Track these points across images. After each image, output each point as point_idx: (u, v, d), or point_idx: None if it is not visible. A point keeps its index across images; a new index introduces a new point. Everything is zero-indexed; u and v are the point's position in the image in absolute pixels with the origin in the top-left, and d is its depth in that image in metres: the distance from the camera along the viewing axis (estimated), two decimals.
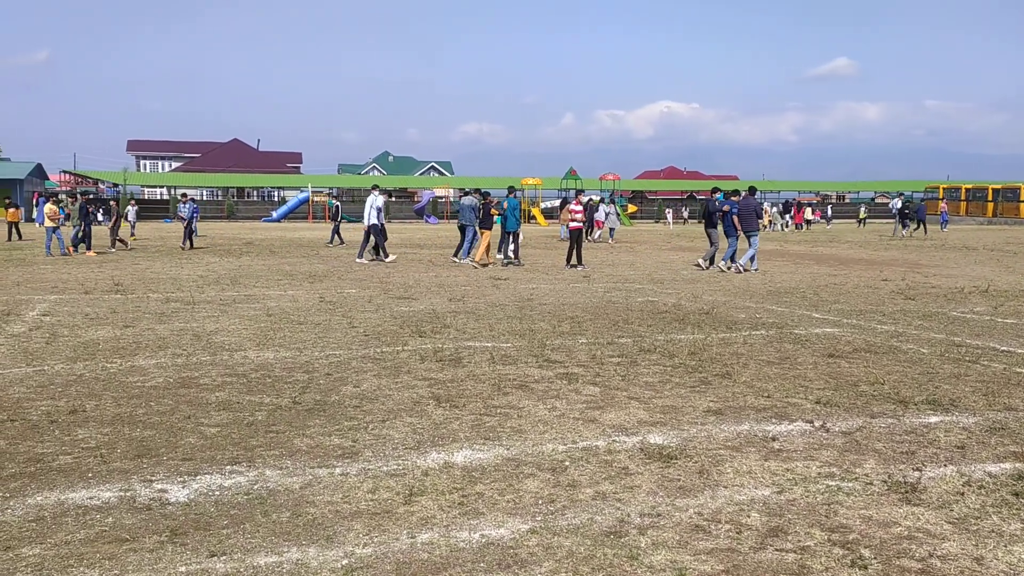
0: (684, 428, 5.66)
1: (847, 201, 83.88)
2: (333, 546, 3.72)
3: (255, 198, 75.03)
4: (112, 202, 30.87)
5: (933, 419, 5.94)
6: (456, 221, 21.71)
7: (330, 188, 70.97)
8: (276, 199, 71.16)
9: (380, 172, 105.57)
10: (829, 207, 62.44)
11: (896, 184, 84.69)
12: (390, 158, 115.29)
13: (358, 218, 27.72)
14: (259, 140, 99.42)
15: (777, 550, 3.72)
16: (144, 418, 5.79)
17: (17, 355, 8.02)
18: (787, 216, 48.69)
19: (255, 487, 4.46)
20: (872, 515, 4.14)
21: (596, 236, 31.63)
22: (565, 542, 3.78)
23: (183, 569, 3.48)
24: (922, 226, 38.81)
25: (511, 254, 20.32)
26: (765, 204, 54.95)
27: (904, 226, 37.43)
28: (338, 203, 29.97)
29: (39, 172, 64.02)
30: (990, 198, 64.94)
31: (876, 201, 78.94)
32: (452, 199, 66.84)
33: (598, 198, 36.23)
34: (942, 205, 49.38)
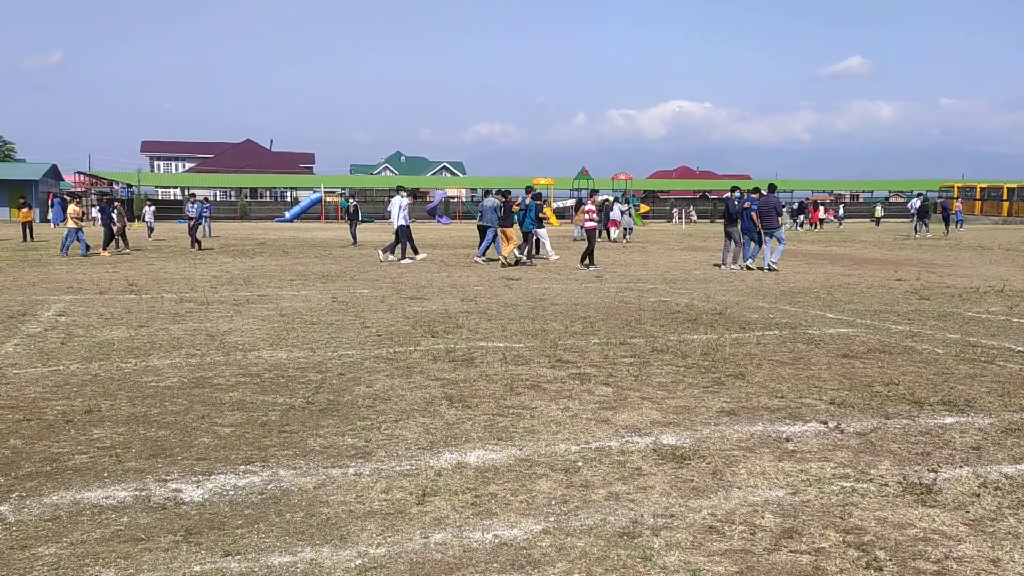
0: (697, 429, 5.65)
1: (861, 200, 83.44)
2: (347, 546, 3.73)
3: (268, 198, 75.29)
4: (116, 203, 31.06)
5: (948, 420, 5.91)
6: (476, 221, 21.85)
7: (342, 188, 71.16)
8: (289, 199, 71.41)
9: (392, 172, 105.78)
10: (841, 206, 62.15)
11: (910, 183, 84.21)
12: (402, 158, 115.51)
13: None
14: (272, 141, 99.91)
15: (791, 551, 3.71)
16: (159, 418, 5.83)
17: (33, 355, 8.08)
18: (801, 216, 48.44)
19: (269, 487, 4.48)
20: (887, 516, 4.12)
21: (613, 236, 31.61)
22: (578, 543, 3.78)
23: (198, 568, 3.49)
24: (946, 226, 38.62)
25: (517, 252, 20.38)
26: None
27: (925, 226, 37.20)
28: (355, 203, 29.95)
29: (54, 173, 64.47)
30: (1005, 197, 64.47)
31: (890, 200, 78.47)
32: (464, 199, 66.92)
33: (612, 198, 36.15)
34: (957, 204, 49.06)
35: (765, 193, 18.91)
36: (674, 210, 61.87)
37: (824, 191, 79.82)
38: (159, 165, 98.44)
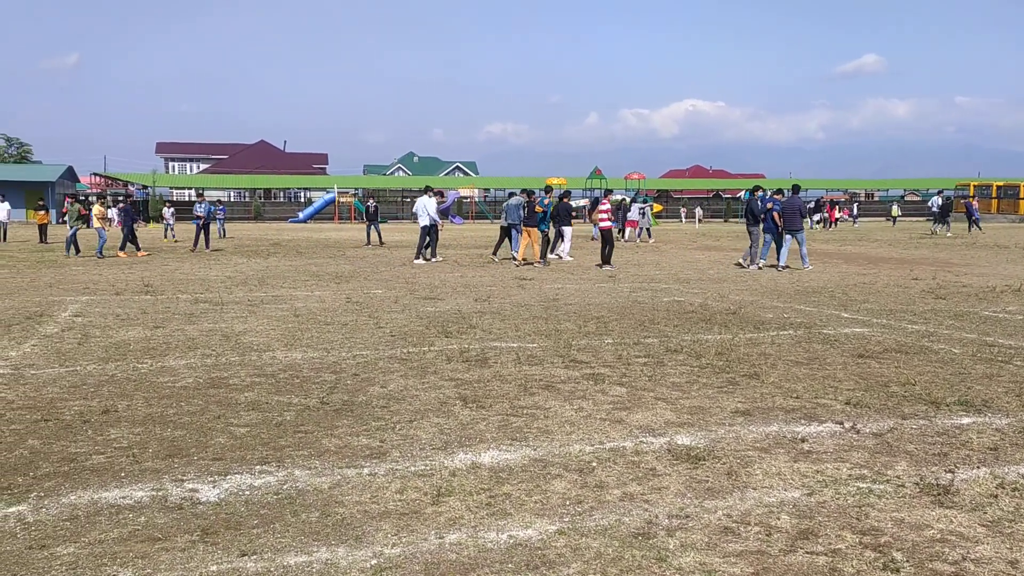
0: (712, 429, 5.63)
1: (876, 199, 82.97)
2: (362, 546, 3.74)
3: (282, 199, 75.62)
4: (120, 204, 31.17)
5: (966, 420, 5.86)
6: (500, 221, 21.98)
7: (356, 189, 71.35)
8: (302, 200, 71.68)
9: (405, 172, 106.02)
10: (856, 205, 61.81)
11: (926, 182, 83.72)
12: (415, 158, 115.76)
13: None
14: (285, 141, 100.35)
15: (808, 553, 3.69)
16: (175, 418, 5.86)
17: (50, 355, 8.14)
18: (818, 215, 48.21)
19: (284, 487, 4.49)
20: (904, 518, 4.10)
21: (627, 236, 31.58)
22: (593, 543, 3.78)
23: (214, 568, 3.51)
24: (969, 225, 38.38)
25: (552, 254, 20.50)
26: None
27: (946, 225, 36.95)
28: (375, 204, 30.00)
29: (70, 175, 64.99)
30: (1022, 196, 63.93)
31: (905, 199, 77.96)
32: (477, 199, 66.97)
33: (625, 198, 36.13)
34: (973, 203, 48.71)
35: (789, 194, 18.96)
36: (682, 209, 61.77)
37: (838, 190, 79.44)
38: (174, 166, 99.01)
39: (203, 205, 26.27)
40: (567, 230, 21.76)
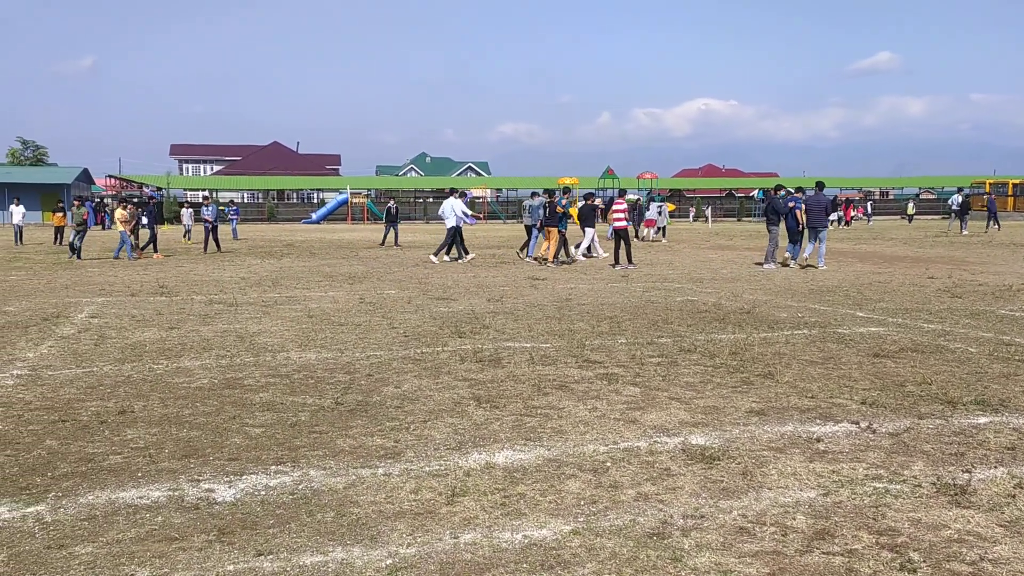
0: (726, 429, 5.61)
1: (891, 197, 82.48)
2: (377, 546, 3.75)
3: (295, 200, 75.89)
4: (129, 206, 31.29)
5: (982, 420, 5.82)
6: (523, 221, 22.10)
7: (368, 190, 71.50)
8: (315, 201, 71.92)
9: (418, 173, 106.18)
10: (870, 203, 61.46)
11: (940, 180, 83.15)
12: (427, 159, 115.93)
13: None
14: (298, 143, 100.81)
15: (824, 553, 3.67)
16: (190, 419, 5.89)
17: (67, 356, 8.20)
18: (835, 213, 47.90)
19: (300, 487, 4.51)
20: (921, 518, 4.07)
21: (644, 235, 31.56)
22: (608, 543, 3.77)
23: (231, 568, 3.53)
24: (988, 223, 38.12)
25: (579, 252, 20.58)
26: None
27: (963, 223, 36.71)
28: (396, 205, 30.07)
29: (86, 177, 65.46)
30: None
31: (920, 197, 77.45)
32: (490, 199, 66.99)
33: (637, 197, 36.08)
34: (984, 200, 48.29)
35: (812, 192, 19.06)
36: (691, 209, 61.65)
37: (853, 188, 79.02)
38: (188, 168, 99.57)
39: (211, 208, 26.34)
40: (590, 231, 21.77)
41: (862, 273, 17.51)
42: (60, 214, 31.95)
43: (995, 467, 4.83)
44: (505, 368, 7.59)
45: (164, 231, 30.23)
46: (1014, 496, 4.36)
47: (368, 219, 59.69)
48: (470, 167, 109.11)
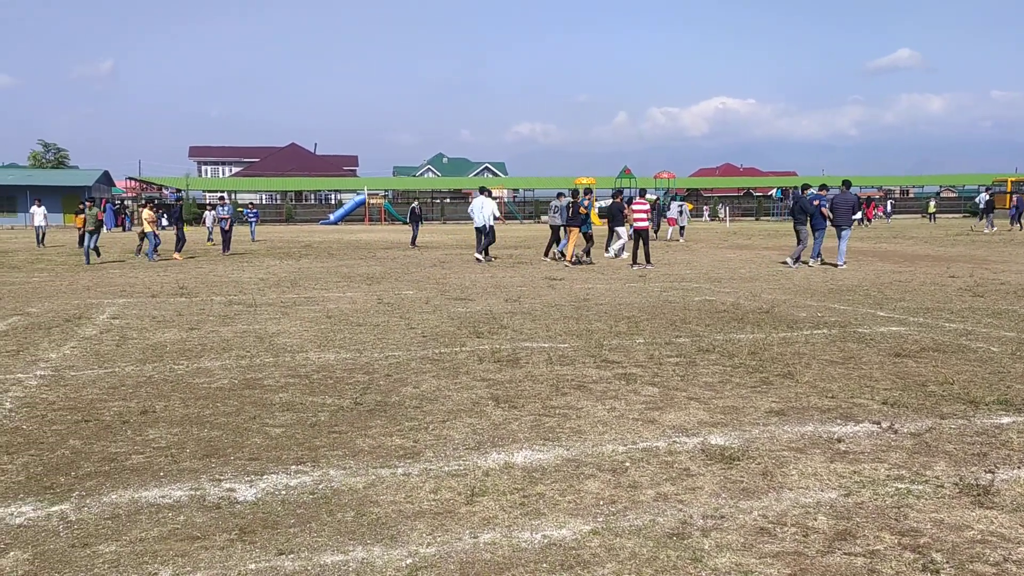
0: (746, 429, 5.59)
1: (911, 196, 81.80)
2: (397, 545, 3.77)
3: (313, 201, 76.23)
4: (141, 208, 31.40)
5: (1005, 420, 5.77)
6: (549, 221, 22.19)
7: (385, 191, 71.71)
8: (333, 202, 72.21)
9: (435, 173, 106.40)
10: (889, 202, 60.97)
11: (962, 178, 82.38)
12: (444, 159, 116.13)
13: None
14: (316, 144, 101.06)
15: (845, 554, 3.65)
16: (211, 418, 5.94)
17: (89, 357, 8.29)
18: (858, 212, 47.55)
19: (320, 487, 4.54)
20: (944, 518, 4.04)
21: (669, 235, 31.54)
22: (627, 543, 3.77)
23: (252, 567, 3.55)
24: (1012, 221, 37.76)
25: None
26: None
27: (988, 221, 36.37)
28: (419, 205, 30.23)
29: (106, 179, 66.06)
30: None
31: (941, 195, 76.75)
32: (507, 200, 67.01)
33: (657, 197, 36.02)
34: (1012, 199, 47.82)
35: (838, 190, 19.20)
36: (705, 207, 61.41)
37: (872, 186, 78.43)
38: (207, 170, 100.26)
39: (227, 208, 26.44)
40: (620, 230, 21.77)
41: (882, 272, 17.38)
42: (81, 216, 32.22)
43: (1018, 467, 4.78)
44: (523, 368, 7.60)
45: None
46: None
47: (385, 220, 59.86)
48: (487, 167, 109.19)
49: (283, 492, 4.46)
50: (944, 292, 13.44)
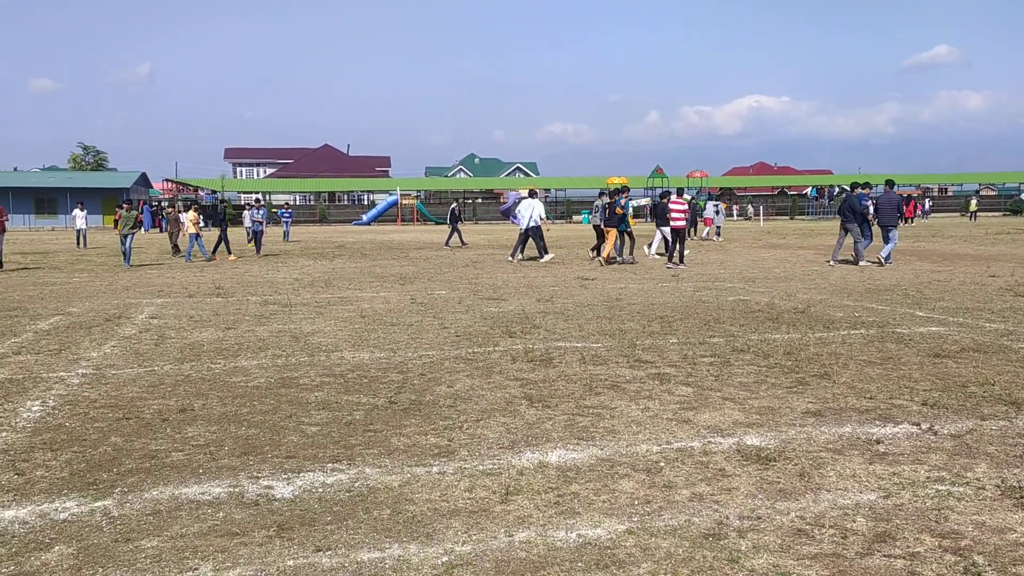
0: (782, 430, 5.54)
1: (950, 194, 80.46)
2: (433, 543, 3.79)
3: (346, 202, 76.77)
4: (170, 209, 31.73)
5: None
6: (592, 221, 22.21)
7: (418, 191, 72.01)
8: (366, 203, 72.68)
9: (466, 174, 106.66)
10: (927, 200, 60.01)
11: (1001, 176, 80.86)
12: (476, 160, 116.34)
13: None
14: (349, 145, 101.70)
15: (885, 556, 3.61)
16: (248, 417, 6.01)
17: (129, 356, 8.43)
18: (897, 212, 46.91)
19: (356, 484, 4.58)
20: (985, 521, 3.98)
21: (705, 234, 31.38)
22: (663, 543, 3.76)
23: (291, 563, 3.60)
24: None
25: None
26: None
27: None
28: (458, 206, 30.49)
29: (143, 181, 67.14)
30: None
31: (981, 193, 75.39)
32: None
33: (691, 196, 35.82)
34: None
35: (885, 189, 19.09)
36: (735, 207, 60.89)
37: (910, 185, 77.27)
38: (242, 171, 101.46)
39: (261, 210, 26.65)
40: (666, 230, 21.71)
41: (921, 271, 17.12)
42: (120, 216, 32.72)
43: None
44: (556, 368, 7.60)
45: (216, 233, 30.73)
46: None
47: (418, 220, 60.13)
48: (518, 167, 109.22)
49: (320, 490, 4.50)
50: (984, 292, 13.21)
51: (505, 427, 5.68)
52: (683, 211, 19.54)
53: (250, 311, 11.88)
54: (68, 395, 6.75)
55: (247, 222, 32.89)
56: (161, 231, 49.63)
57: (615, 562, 3.58)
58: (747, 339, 8.97)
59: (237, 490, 4.51)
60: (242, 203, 63.08)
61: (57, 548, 3.77)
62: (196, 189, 68.82)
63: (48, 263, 22.81)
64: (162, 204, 62.81)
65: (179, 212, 29.34)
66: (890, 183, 19.52)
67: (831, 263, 18.72)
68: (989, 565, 3.51)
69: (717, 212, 31.82)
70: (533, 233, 21.23)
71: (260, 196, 44.85)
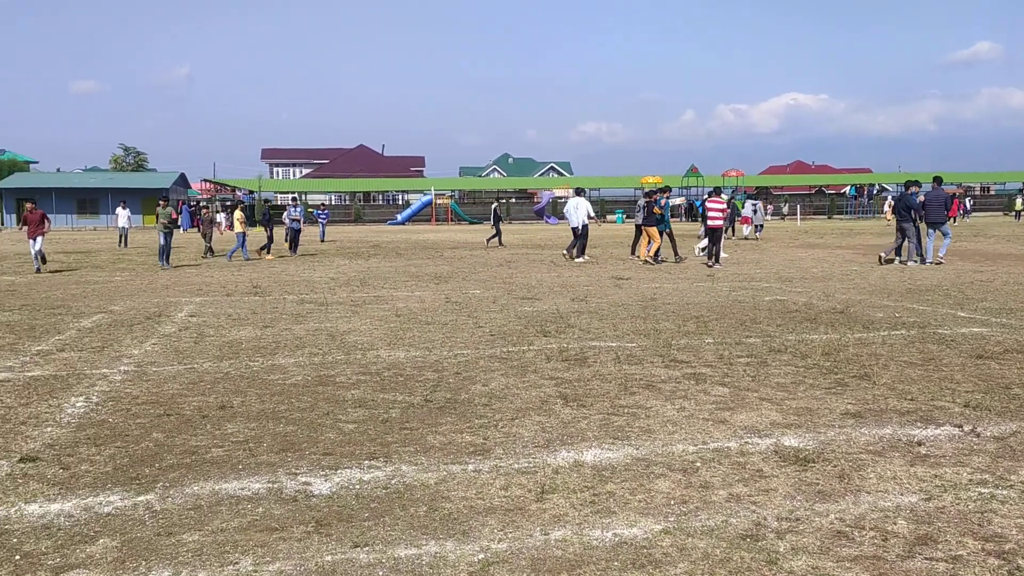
0: (821, 431, 5.48)
1: (992, 192, 78.89)
2: (469, 540, 3.80)
3: (380, 202, 77.26)
4: (204, 209, 31.98)
5: None
6: (635, 221, 22.17)
7: (452, 191, 72.20)
8: (400, 202, 73.07)
9: (500, 174, 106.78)
10: (968, 199, 58.88)
11: None
12: (510, 159, 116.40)
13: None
14: (384, 145, 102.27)
15: (927, 559, 3.56)
16: (286, 414, 6.08)
17: (169, 353, 8.56)
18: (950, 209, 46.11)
19: (392, 482, 4.61)
20: None
21: (745, 233, 31.15)
22: (700, 543, 3.74)
23: (329, 559, 3.63)
24: None
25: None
26: (888, 199, 52.62)
27: None
28: (500, 205, 30.71)
29: (182, 181, 68.15)
30: None
31: None
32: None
33: (729, 196, 35.52)
34: None
35: (933, 186, 19.02)
36: (769, 206, 60.17)
37: (952, 183, 75.89)
38: (278, 171, 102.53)
39: (298, 208, 26.85)
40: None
41: (963, 271, 16.82)
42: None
43: None
44: (591, 367, 7.58)
45: (256, 232, 31.08)
46: None
47: (452, 220, 60.32)
48: (552, 167, 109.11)
49: (357, 486, 4.54)
50: None
51: (540, 426, 5.68)
52: (721, 210, 19.37)
53: (287, 310, 12.01)
54: (111, 391, 6.88)
55: (287, 221, 33.23)
56: (199, 231, 50.34)
57: (651, 562, 3.57)
58: (784, 339, 8.88)
59: (276, 486, 4.56)
60: (279, 203, 63.75)
61: (102, 541, 3.85)
62: (234, 189, 69.67)
63: (90, 262, 23.25)
64: (200, 204, 63.71)
65: (214, 212, 29.67)
66: (938, 180, 19.33)
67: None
68: None
69: (755, 211, 31.54)
70: (581, 230, 21.24)
71: (296, 196, 45.21)
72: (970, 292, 13.06)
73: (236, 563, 3.60)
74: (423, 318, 10.91)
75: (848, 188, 73.59)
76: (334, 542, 3.80)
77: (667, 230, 20.60)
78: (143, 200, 58.16)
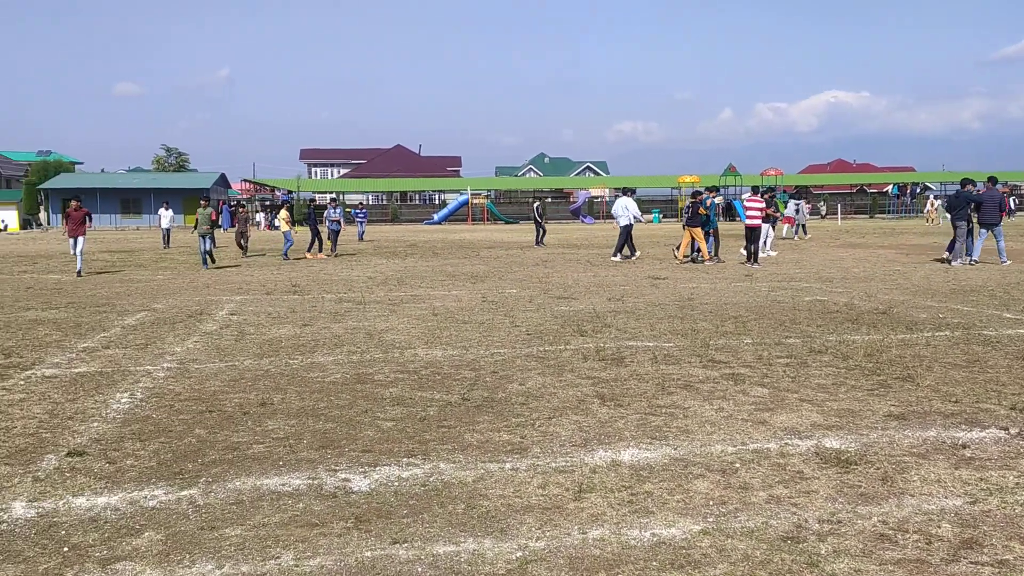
0: (863, 433, 5.41)
1: None
2: (507, 538, 3.82)
3: (417, 201, 77.67)
4: (242, 208, 32.22)
5: None
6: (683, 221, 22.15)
7: (488, 191, 72.33)
8: (437, 202, 73.37)
9: (536, 173, 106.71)
10: (1013, 199, 57.55)
11: None
12: (546, 159, 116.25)
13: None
14: (420, 145, 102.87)
15: (972, 563, 3.49)
16: (326, 411, 6.15)
17: (211, 351, 8.70)
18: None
19: (431, 479, 4.64)
20: None
21: (784, 233, 30.84)
22: (739, 545, 3.71)
23: (368, 554, 3.67)
24: None
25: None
26: (931, 197, 51.71)
27: None
28: (540, 204, 30.94)
29: (223, 181, 69.13)
30: None
31: None
32: (608, 199, 66.58)
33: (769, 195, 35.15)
34: None
35: (986, 186, 18.69)
36: (806, 206, 59.36)
37: (999, 183, 74.24)
38: (316, 171, 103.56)
39: (338, 209, 27.03)
40: (766, 227, 21.44)
41: (1009, 272, 16.47)
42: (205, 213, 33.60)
43: None
44: (628, 367, 7.56)
45: (297, 232, 31.43)
46: None
47: (488, 219, 60.44)
48: (588, 166, 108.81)
49: (396, 483, 4.58)
50: None
51: (577, 425, 5.67)
52: (760, 209, 19.17)
53: (326, 308, 12.12)
54: (154, 388, 7.00)
55: (327, 222, 33.52)
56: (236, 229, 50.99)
57: (690, 562, 3.55)
58: (825, 340, 8.77)
59: (316, 482, 4.61)
60: (318, 203, 64.29)
61: (147, 534, 3.92)
62: (273, 189, 70.49)
63: (134, 261, 23.69)
64: (239, 203, 64.55)
65: (252, 212, 30.04)
66: (992, 180, 18.98)
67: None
68: None
69: (798, 211, 31.18)
70: (626, 230, 21.20)
71: (335, 196, 45.61)
72: (1016, 293, 12.79)
73: (277, 557, 3.65)
74: (460, 317, 10.95)
75: (891, 187, 72.40)
76: (373, 538, 3.84)
77: (713, 228, 20.42)
78: (184, 200, 59.08)
